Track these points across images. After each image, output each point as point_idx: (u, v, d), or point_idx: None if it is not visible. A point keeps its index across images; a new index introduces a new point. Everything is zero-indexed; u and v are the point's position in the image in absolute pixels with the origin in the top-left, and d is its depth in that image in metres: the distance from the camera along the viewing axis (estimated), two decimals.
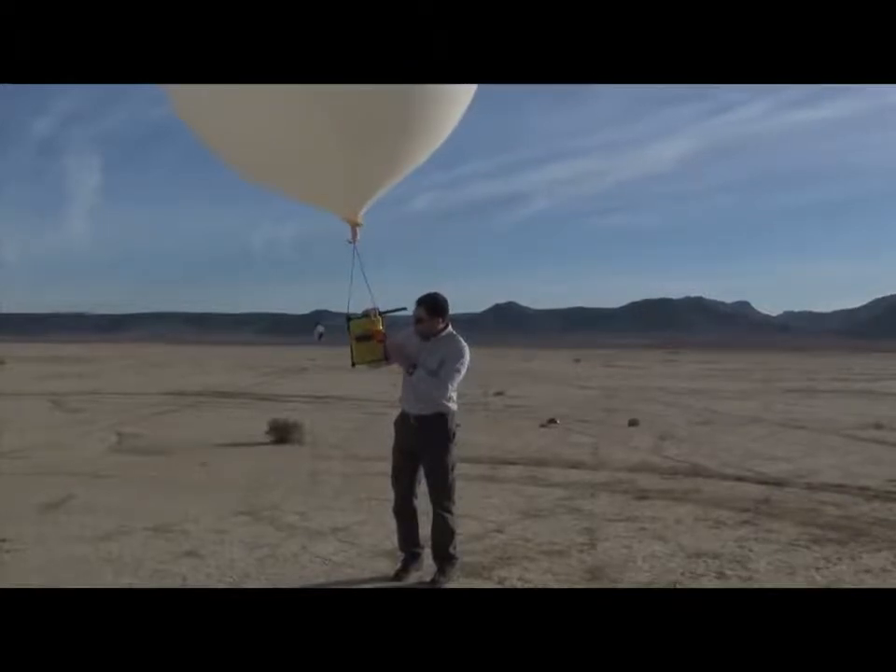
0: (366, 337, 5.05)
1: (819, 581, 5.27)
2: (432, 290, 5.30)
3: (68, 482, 8.66)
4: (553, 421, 15.22)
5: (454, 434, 5.23)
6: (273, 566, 5.53)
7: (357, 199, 5.00)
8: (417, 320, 5.20)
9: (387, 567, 5.48)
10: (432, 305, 5.21)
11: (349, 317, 5.05)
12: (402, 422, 5.33)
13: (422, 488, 5.31)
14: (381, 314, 5.10)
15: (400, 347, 5.17)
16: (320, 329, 5.38)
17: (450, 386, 5.10)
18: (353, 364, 5.19)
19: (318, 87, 3.82)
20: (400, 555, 5.42)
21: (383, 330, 5.07)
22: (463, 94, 4.83)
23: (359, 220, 4.98)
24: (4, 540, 6.09)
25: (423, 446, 5.20)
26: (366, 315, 5.07)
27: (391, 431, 5.43)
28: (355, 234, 4.97)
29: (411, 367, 5.11)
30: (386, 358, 5.12)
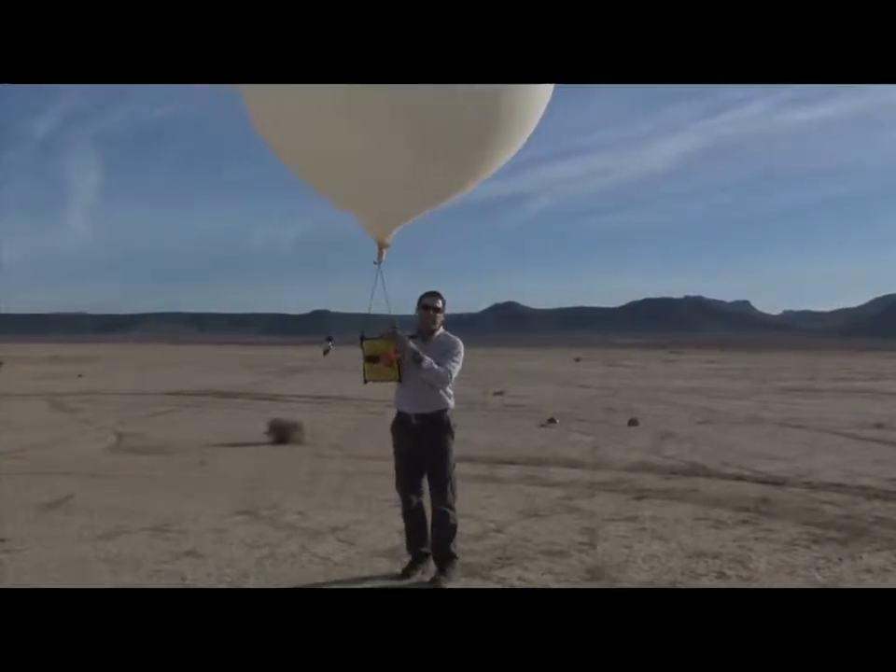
0: (375, 358, 5.15)
1: (820, 580, 5.26)
2: (429, 290, 5.39)
3: (67, 481, 8.66)
4: (552, 420, 15.22)
5: (454, 431, 5.29)
6: (272, 565, 5.53)
7: (392, 220, 5.06)
8: (436, 308, 5.31)
9: (387, 566, 5.48)
10: (443, 298, 5.39)
11: (363, 337, 5.16)
12: (401, 424, 5.35)
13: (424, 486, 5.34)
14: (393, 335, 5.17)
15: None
16: (328, 344, 5.50)
17: (452, 374, 5.19)
18: (364, 381, 5.28)
19: (393, 105, 3.98)
20: (407, 556, 5.42)
21: (393, 353, 5.13)
22: (522, 132, 4.81)
23: (387, 241, 5.06)
24: (3, 540, 6.08)
25: (425, 444, 5.23)
26: (381, 337, 5.15)
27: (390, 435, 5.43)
28: (381, 254, 5.05)
29: (416, 356, 5.11)
30: (399, 380, 5.18)
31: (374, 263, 5.04)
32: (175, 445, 11.73)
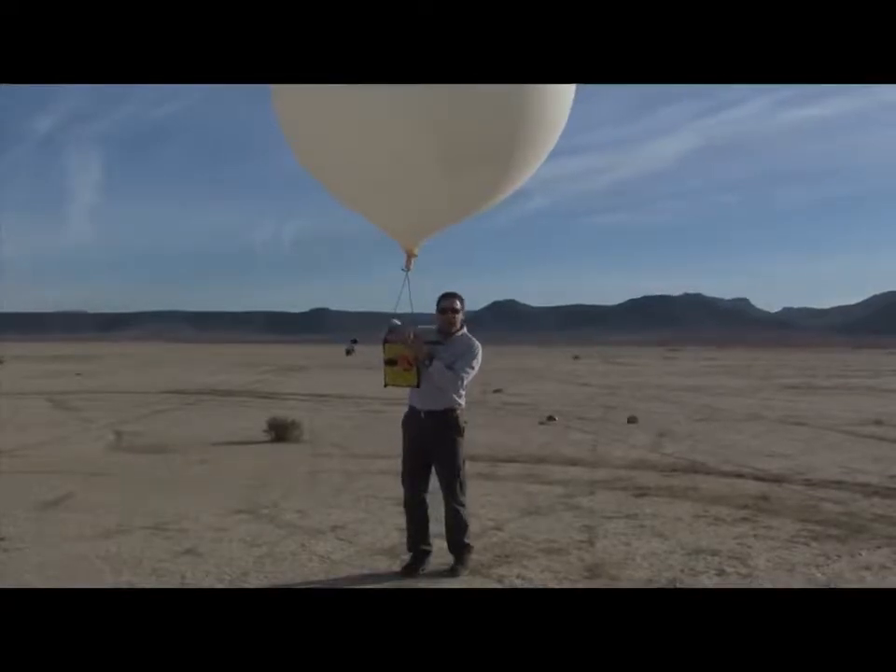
0: (394, 362, 5.23)
1: (819, 577, 5.27)
2: (447, 291, 5.45)
3: (67, 480, 8.66)
4: (551, 418, 15.23)
5: (463, 429, 5.35)
6: (272, 564, 5.53)
7: (422, 231, 5.16)
8: (454, 310, 5.37)
9: (386, 565, 5.49)
10: (461, 299, 5.46)
11: (385, 340, 5.24)
12: (411, 419, 5.40)
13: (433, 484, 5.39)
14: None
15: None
16: (352, 346, 5.63)
17: (465, 380, 5.26)
18: (385, 384, 5.36)
19: (420, 121, 4.10)
20: (407, 554, 5.43)
21: (411, 357, 5.18)
22: (551, 135, 4.87)
23: (415, 251, 5.15)
24: (3, 539, 6.09)
25: (434, 441, 5.28)
26: (402, 341, 5.21)
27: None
28: (409, 263, 5.13)
29: (428, 359, 5.18)
30: (418, 385, 5.22)
31: (402, 270, 5.13)
32: (175, 444, 11.73)
